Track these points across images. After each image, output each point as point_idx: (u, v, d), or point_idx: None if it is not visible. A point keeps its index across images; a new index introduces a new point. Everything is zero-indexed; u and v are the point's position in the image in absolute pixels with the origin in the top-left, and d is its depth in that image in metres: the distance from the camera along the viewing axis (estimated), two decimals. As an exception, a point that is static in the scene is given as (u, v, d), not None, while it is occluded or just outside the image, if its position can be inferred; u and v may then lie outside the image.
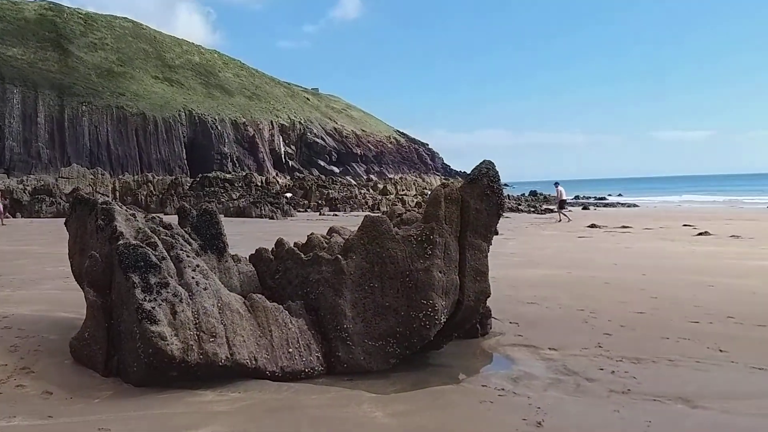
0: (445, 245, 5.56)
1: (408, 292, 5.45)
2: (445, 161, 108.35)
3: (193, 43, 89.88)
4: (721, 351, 5.82)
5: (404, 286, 5.47)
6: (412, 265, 5.48)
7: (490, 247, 5.97)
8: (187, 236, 6.29)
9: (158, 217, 6.63)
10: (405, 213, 6.29)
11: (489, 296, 5.91)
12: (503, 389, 4.83)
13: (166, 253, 5.43)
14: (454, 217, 5.65)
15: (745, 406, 4.38)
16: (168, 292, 5.01)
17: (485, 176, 5.70)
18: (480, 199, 5.69)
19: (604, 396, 4.64)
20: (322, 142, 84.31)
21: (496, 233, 6.19)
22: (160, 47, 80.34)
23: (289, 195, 46.98)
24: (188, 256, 5.56)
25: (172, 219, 6.74)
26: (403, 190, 59.66)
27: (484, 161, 5.85)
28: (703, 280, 9.74)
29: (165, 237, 5.83)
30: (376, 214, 5.86)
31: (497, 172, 5.77)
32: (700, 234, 18.84)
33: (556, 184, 29.68)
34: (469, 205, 5.69)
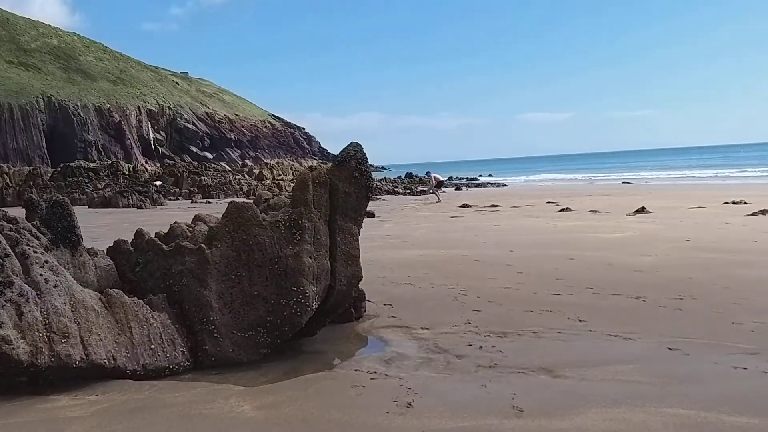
0: (314, 230, 5.45)
1: (277, 280, 5.31)
2: (322, 145, 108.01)
3: (50, 26, 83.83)
4: (580, 321, 6.12)
5: (273, 274, 5.32)
6: (280, 251, 5.34)
7: (362, 230, 5.94)
8: (34, 230, 5.78)
9: (1, 210, 6.06)
10: (272, 198, 6.12)
11: (361, 279, 5.89)
12: (375, 372, 4.81)
13: (9, 250, 4.96)
14: (322, 201, 5.55)
15: (600, 372, 4.60)
16: (12, 292, 4.58)
17: (353, 158, 5.63)
18: (348, 182, 5.62)
19: (473, 371, 4.73)
20: (194, 128, 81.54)
21: (372, 215, 6.17)
22: (14, 30, 74.33)
23: (158, 183, 44.97)
24: (36, 252, 5.11)
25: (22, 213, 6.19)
26: (279, 175, 58.86)
27: (351, 143, 5.78)
28: (565, 254, 10.25)
29: (9, 232, 5.33)
30: (242, 200, 5.65)
31: (365, 155, 5.72)
32: (562, 210, 19.89)
33: (428, 173, 30.47)
34: (337, 188, 5.61)
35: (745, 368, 4.56)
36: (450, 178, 65.55)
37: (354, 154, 5.65)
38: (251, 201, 5.78)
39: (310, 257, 5.37)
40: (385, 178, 56.75)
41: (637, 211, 17.72)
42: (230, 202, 5.61)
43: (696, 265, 8.84)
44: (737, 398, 3.99)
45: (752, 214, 15.68)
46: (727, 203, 19.47)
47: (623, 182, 45.45)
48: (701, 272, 8.27)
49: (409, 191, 39.82)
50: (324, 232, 5.53)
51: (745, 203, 18.98)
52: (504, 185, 51.14)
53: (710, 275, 8.04)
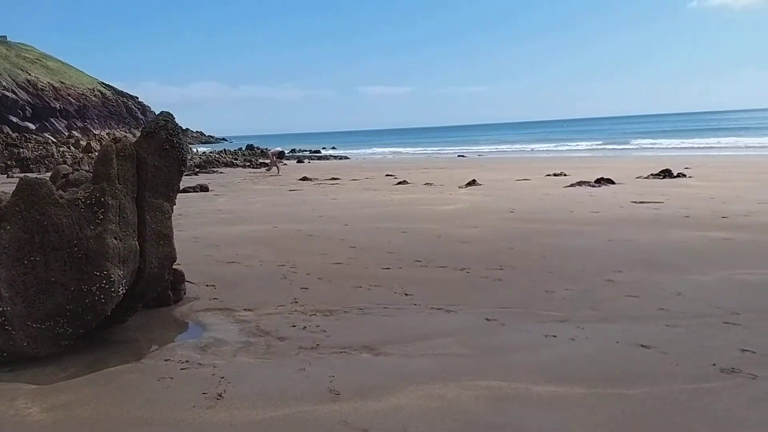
0: (119, 208, 4.95)
1: (78, 264, 4.77)
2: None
3: None
4: (407, 295, 6.12)
5: (73, 258, 4.77)
6: (81, 232, 4.79)
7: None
8: None
9: None
10: (72, 173, 5.50)
11: (174, 260, 5.47)
12: (188, 361, 4.47)
13: None
14: (129, 176, 5.05)
15: (422, 347, 4.59)
16: None
17: (163, 129, 5.17)
18: (158, 155, 5.16)
19: (293, 354, 4.54)
20: (13, 96, 74.13)
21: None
22: None
23: (-33, 155, 40.40)
24: None
25: None
26: (109, 147, 54.91)
27: (162, 113, 5.31)
28: (398, 227, 10.34)
29: None
30: (35, 176, 5.01)
31: (177, 125, 5.28)
32: (399, 183, 20.23)
33: (267, 149, 29.85)
34: (146, 162, 5.13)
35: (555, 336, 4.74)
36: (293, 151, 65.00)
37: (164, 125, 5.19)
38: (47, 177, 5.14)
39: (115, 238, 4.88)
40: (224, 150, 54.94)
41: (469, 184, 18.40)
42: (21, 178, 4.95)
43: (517, 235, 9.24)
44: (546, 367, 4.11)
45: (570, 186, 16.80)
46: (549, 175, 20.75)
47: (459, 155, 47.27)
48: (521, 242, 8.64)
49: (249, 164, 38.79)
50: (131, 210, 5.05)
51: (565, 175, 20.33)
52: (347, 158, 51.33)
53: (529, 245, 8.43)
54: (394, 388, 3.82)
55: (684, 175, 18.50)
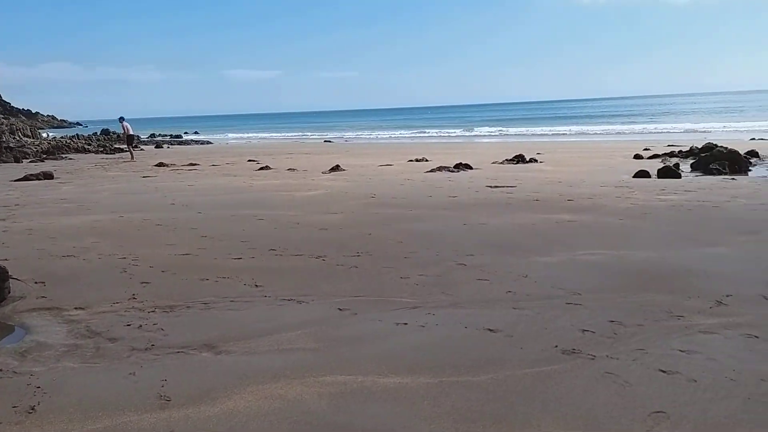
0: None
1: None
2: (4, 98, 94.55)
3: None
4: (257, 286, 5.83)
5: None
6: None
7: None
8: None
9: None
10: None
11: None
12: (1, 370, 3.96)
13: None
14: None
15: (267, 343, 4.34)
16: None
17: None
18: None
19: (124, 357, 4.14)
20: None
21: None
22: None
23: None
24: None
25: None
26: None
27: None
28: (256, 214, 9.98)
29: None
30: None
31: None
32: (261, 168, 19.71)
33: (121, 119, 28.06)
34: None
35: (405, 323, 4.65)
36: (152, 135, 61.97)
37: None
38: None
39: None
40: (77, 135, 51.35)
41: (332, 169, 18.23)
42: None
43: (377, 221, 9.18)
44: (395, 356, 4.00)
45: (431, 171, 17.08)
46: (411, 161, 21.02)
47: (325, 141, 47.08)
48: (380, 228, 8.58)
49: (102, 149, 36.46)
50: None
51: (426, 160, 20.68)
52: (209, 143, 49.70)
53: (388, 230, 8.37)
54: (233, 390, 3.55)
55: (536, 161, 19.37)
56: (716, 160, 15.32)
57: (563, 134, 43.94)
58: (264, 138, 59.65)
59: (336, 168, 18.36)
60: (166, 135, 64.06)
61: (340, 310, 5.07)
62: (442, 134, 52.83)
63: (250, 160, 23.74)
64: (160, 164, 22.33)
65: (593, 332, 4.37)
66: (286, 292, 5.61)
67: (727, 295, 5.11)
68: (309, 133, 64.76)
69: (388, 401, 3.38)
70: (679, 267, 6.14)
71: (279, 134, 66.62)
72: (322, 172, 17.81)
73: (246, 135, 66.60)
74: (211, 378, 3.75)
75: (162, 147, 41.23)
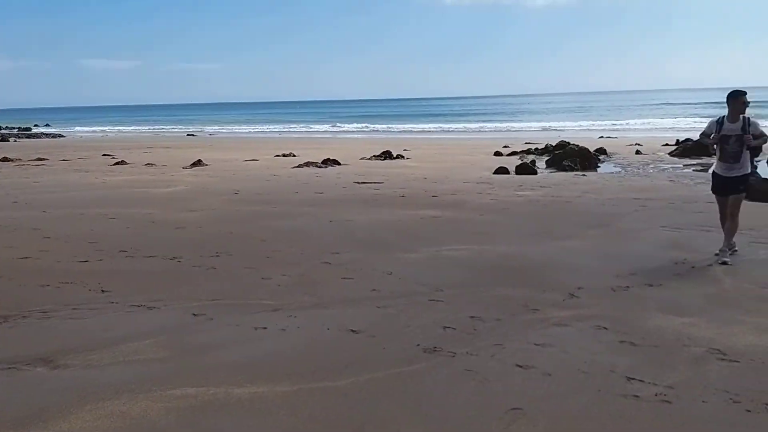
0: None
1: None
2: None
3: None
4: (103, 291, 5.39)
5: None
6: None
7: None
8: None
9: None
10: None
11: None
12: None
13: None
14: None
15: (112, 354, 3.98)
16: None
17: None
18: None
19: (-60, 378, 3.64)
20: None
21: None
22: None
23: None
24: None
25: None
26: None
27: None
28: (107, 213, 9.34)
29: None
30: None
31: None
32: (117, 163, 18.63)
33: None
34: None
35: (265, 328, 4.44)
36: (-6, 128, 56.99)
37: None
38: None
39: None
40: None
41: (194, 164, 17.53)
42: None
43: (239, 218, 8.86)
44: (251, 364, 3.79)
45: (298, 166, 16.82)
46: (278, 156, 20.64)
47: (188, 134, 45.37)
48: (242, 226, 8.28)
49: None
50: None
51: (294, 156, 20.38)
52: (61, 136, 46.43)
53: (251, 228, 8.09)
54: (68, 409, 3.20)
55: (403, 157, 19.62)
56: (569, 157, 16.20)
57: (429, 131, 45.01)
58: (122, 131, 56.63)
59: (198, 163, 17.66)
60: (13, 128, 59.14)
61: (195, 315, 4.77)
62: (310, 130, 52.50)
63: (105, 155, 22.35)
64: (5, 159, 20.47)
65: (454, 329, 4.38)
66: (136, 297, 5.21)
67: (579, 288, 5.32)
68: (171, 127, 62.23)
69: (242, 413, 3.17)
70: (536, 261, 6.35)
71: (139, 127, 63.48)
72: (183, 168, 17.06)
73: (103, 128, 62.88)
74: (44, 396, 3.36)
75: (8, 140, 37.94)
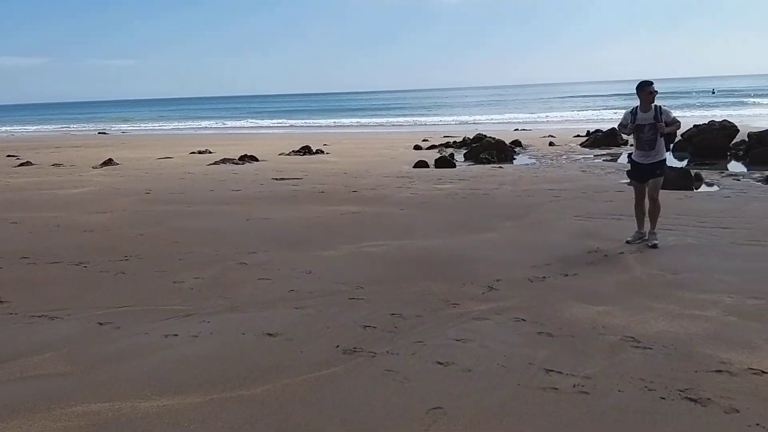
0: None
1: None
2: None
3: None
4: (1, 302, 5.04)
5: None
6: None
7: None
8: None
9: None
10: None
11: None
12: None
13: None
14: None
15: (6, 371, 3.68)
16: None
17: None
18: None
19: None
20: None
21: None
22: None
23: None
24: None
25: None
26: None
27: None
28: (8, 217, 8.80)
29: None
30: None
31: None
32: (21, 165, 17.63)
33: None
34: None
35: (176, 335, 4.23)
36: None
37: None
38: None
39: None
40: None
41: (105, 164, 16.81)
42: None
43: (151, 219, 8.50)
44: (160, 375, 3.59)
45: (214, 164, 16.40)
46: (193, 153, 20.05)
47: (99, 132, 43.56)
48: (154, 227, 7.94)
49: None
50: None
51: (210, 152, 19.85)
52: (-42, 136, 43.70)
53: (162, 230, 7.77)
54: (-47, 437, 2.93)
55: (322, 152, 19.45)
56: (485, 150, 16.46)
57: (349, 126, 44.88)
58: (28, 130, 53.83)
59: (109, 162, 16.94)
60: None
61: (101, 324, 4.50)
62: (226, 126, 51.36)
63: (9, 156, 21.11)
64: None
65: (374, 327, 4.30)
66: (38, 307, 4.89)
67: (498, 280, 5.34)
68: (82, 125, 59.67)
69: (150, 429, 2.99)
70: (455, 254, 6.36)
71: (48, 126, 60.55)
72: (93, 167, 16.33)
73: (7, 128, 59.59)
74: None
75: None
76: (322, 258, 6.34)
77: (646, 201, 6.66)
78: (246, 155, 17.29)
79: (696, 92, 73.54)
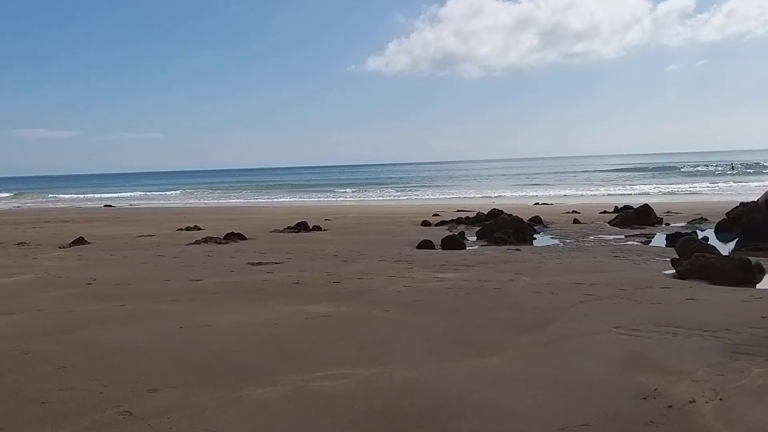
0: None
1: None
2: None
3: None
4: None
5: None
6: None
7: None
8: None
9: None
10: None
11: None
12: None
13: None
14: None
15: None
16: None
17: None
18: None
19: None
20: None
21: None
22: None
23: None
24: None
25: None
26: None
27: None
28: None
29: None
30: None
31: None
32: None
33: None
34: None
35: None
36: None
37: None
38: None
39: None
40: None
41: (74, 242, 15.07)
42: None
43: (58, 326, 6.55)
44: None
45: (195, 243, 14.57)
46: (180, 229, 18.28)
47: (105, 205, 42.37)
48: (53, 340, 5.97)
49: None
50: None
51: (199, 229, 18.13)
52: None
53: (59, 346, 5.79)
54: None
55: (320, 228, 17.60)
56: (501, 228, 14.46)
57: (360, 198, 43.43)
58: (38, 202, 53.17)
59: (79, 241, 15.19)
60: None
61: None
62: (233, 199, 50.07)
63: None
64: None
65: None
66: None
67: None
68: (95, 195, 59.26)
69: None
70: (443, 399, 4.30)
71: (62, 195, 60.32)
72: (60, 247, 14.57)
73: (26, 201, 59.04)
74: None
75: None
76: (248, 401, 4.32)
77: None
78: (233, 233, 15.47)
79: (714, 166, 71.13)
